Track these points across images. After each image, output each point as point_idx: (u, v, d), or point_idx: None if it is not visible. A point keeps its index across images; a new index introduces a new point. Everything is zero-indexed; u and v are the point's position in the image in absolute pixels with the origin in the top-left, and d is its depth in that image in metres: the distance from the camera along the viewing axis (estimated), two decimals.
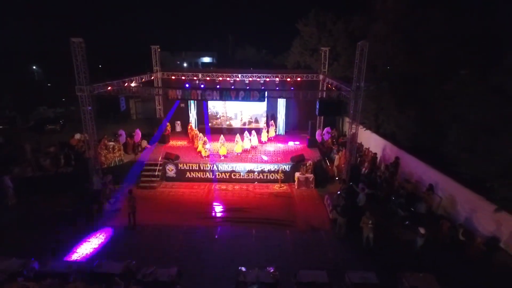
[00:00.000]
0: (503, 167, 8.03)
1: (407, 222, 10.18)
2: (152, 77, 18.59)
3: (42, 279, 7.29)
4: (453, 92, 10.30)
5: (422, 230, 8.55)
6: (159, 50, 19.10)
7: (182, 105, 19.87)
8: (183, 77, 19.28)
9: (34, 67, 37.33)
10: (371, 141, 17.35)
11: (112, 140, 15.72)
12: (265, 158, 15.34)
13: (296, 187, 14.09)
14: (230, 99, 12.61)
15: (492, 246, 8.59)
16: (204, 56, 50.04)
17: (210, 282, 7.90)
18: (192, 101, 19.45)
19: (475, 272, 8.20)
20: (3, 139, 19.09)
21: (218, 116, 19.90)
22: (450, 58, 12.95)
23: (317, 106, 12.16)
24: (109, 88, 13.11)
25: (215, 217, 11.73)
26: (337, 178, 14.09)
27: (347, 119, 19.25)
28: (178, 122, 20.37)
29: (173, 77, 19.44)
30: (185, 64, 46.82)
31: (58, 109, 30.30)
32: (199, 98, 12.15)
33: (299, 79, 18.93)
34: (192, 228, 10.71)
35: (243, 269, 7.72)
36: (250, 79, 18.91)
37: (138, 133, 16.66)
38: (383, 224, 10.22)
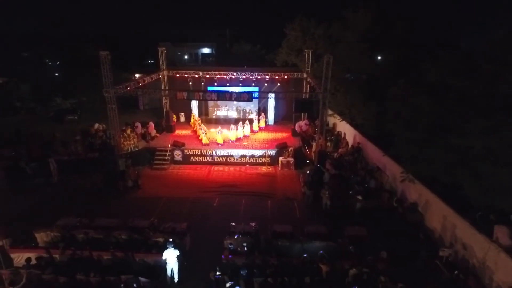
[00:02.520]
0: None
1: (350, 192, 13.49)
2: (160, 75, 21.57)
3: (94, 229, 10.67)
4: (394, 93, 13.39)
5: (360, 198, 11.93)
6: (165, 51, 21.97)
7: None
8: (186, 75, 22.25)
9: (47, 60, 40.08)
10: (347, 131, 20.58)
11: (129, 130, 18.92)
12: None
13: (279, 168, 17.41)
14: (225, 99, 15.74)
15: (412, 210, 11.93)
16: (203, 47, 52.56)
17: (210, 232, 11.23)
18: None
19: (394, 225, 11.52)
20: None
21: (216, 109, 23.13)
22: (404, 63, 16.01)
23: (293, 105, 15.37)
24: (128, 88, 16.21)
25: (214, 191, 15.07)
26: (307, 161, 17.32)
27: (329, 111, 22.51)
28: (182, 113, 23.54)
29: (177, 75, 22.43)
30: (186, 57, 49.28)
31: (71, 99, 33.15)
32: (201, 98, 15.32)
33: (286, 76, 21.96)
34: (196, 198, 14.09)
35: (233, 224, 11.11)
36: (244, 76, 21.91)
37: (151, 125, 19.88)
38: (340, 195, 13.59)
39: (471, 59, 9.58)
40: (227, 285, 7.87)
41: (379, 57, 18.54)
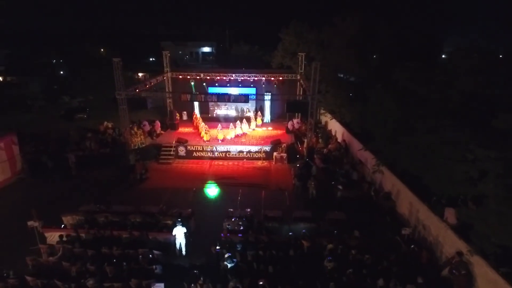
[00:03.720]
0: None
1: (333, 182, 15.32)
2: (164, 77, 23.28)
3: (112, 213, 12.50)
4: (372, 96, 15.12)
5: (340, 187, 13.76)
6: (168, 54, 23.67)
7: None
8: (188, 76, 23.99)
9: (54, 61, 41.75)
10: (336, 128, 22.36)
11: (136, 128, 20.70)
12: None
13: (274, 163, 19.20)
14: (224, 101, 17.48)
15: (386, 198, 13.76)
16: (204, 46, 54.23)
17: (211, 217, 13.01)
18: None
19: (368, 211, 13.33)
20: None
21: (216, 107, 24.91)
22: (384, 68, 17.71)
23: (285, 106, 17.17)
24: (137, 90, 17.97)
25: (214, 182, 16.88)
26: (297, 156, 19.07)
27: (321, 110, 24.29)
28: (185, 112, 25.30)
29: (180, 76, 24.16)
30: (187, 56, 50.94)
31: (78, 98, 34.84)
32: (203, 100, 17.09)
33: (281, 78, 23.70)
34: (199, 189, 15.91)
35: (231, 209, 12.94)
36: (242, 78, 23.65)
37: (157, 123, 21.69)
38: (326, 185, 15.41)
39: (431, 69, 11.31)
40: (225, 256, 9.70)
41: (364, 61, 20.21)
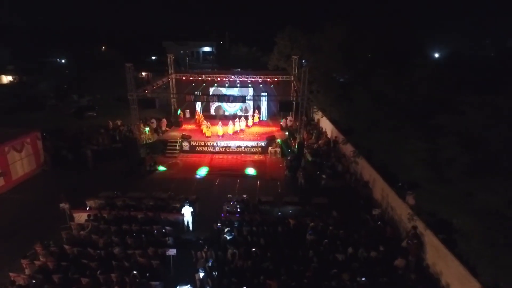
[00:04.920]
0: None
1: (318, 172, 17.47)
2: (169, 78, 25.33)
3: (128, 198, 14.63)
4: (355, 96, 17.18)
5: (324, 177, 15.91)
6: (173, 57, 25.69)
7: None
8: (191, 78, 26.02)
9: (63, 61, 43.74)
10: (326, 125, 24.45)
11: (142, 125, 22.76)
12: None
13: (268, 156, 21.32)
14: (224, 101, 19.56)
15: (364, 186, 15.89)
16: (204, 46, 56.17)
17: (213, 201, 15.11)
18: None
19: (347, 197, 15.50)
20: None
21: (217, 106, 27.00)
22: (369, 70, 19.76)
23: (278, 106, 19.30)
24: (146, 91, 20.06)
25: (215, 173, 18.99)
26: (289, 150, 21.17)
27: (314, 109, 26.39)
28: (188, 110, 27.35)
29: (183, 78, 26.19)
30: (188, 57, 52.82)
31: (86, 97, 36.84)
32: (205, 100, 19.16)
33: (276, 79, 25.74)
34: (201, 179, 18.04)
35: (230, 195, 15.08)
36: (241, 79, 25.67)
37: (164, 121, 23.80)
38: (313, 176, 17.56)
39: (401, 74, 13.38)
40: (225, 230, 11.84)
41: (351, 64, 22.25)
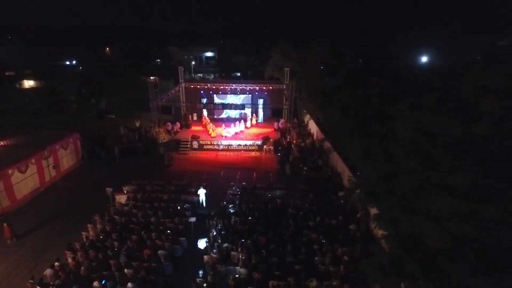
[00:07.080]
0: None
1: (300, 165, 21.96)
2: (180, 87, 29.74)
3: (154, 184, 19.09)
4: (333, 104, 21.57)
5: (305, 168, 20.41)
6: (182, 69, 30.11)
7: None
8: (198, 86, 30.45)
9: (74, 62, 47.66)
10: (313, 127, 28.89)
11: (157, 127, 27.22)
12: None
13: (264, 153, 25.79)
14: (227, 108, 24.06)
15: (337, 176, 20.36)
16: (207, 51, 60.50)
17: (219, 188, 19.55)
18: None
19: (323, 184, 19.95)
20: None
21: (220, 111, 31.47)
22: (344, 85, 24.16)
23: (271, 111, 23.75)
24: (163, 100, 24.51)
25: (220, 167, 23.45)
26: (279, 148, 25.62)
27: (304, 112, 30.82)
28: (195, 114, 31.78)
29: (191, 86, 30.62)
30: (193, 63, 57.15)
31: (103, 100, 40.95)
32: (212, 108, 23.65)
33: (271, 87, 30.16)
34: (209, 172, 22.53)
35: (232, 183, 19.54)
36: (240, 87, 30.11)
37: (177, 124, 28.28)
38: (298, 168, 22.05)
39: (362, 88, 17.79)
40: (229, 206, 16.32)
41: (332, 77, 26.68)
